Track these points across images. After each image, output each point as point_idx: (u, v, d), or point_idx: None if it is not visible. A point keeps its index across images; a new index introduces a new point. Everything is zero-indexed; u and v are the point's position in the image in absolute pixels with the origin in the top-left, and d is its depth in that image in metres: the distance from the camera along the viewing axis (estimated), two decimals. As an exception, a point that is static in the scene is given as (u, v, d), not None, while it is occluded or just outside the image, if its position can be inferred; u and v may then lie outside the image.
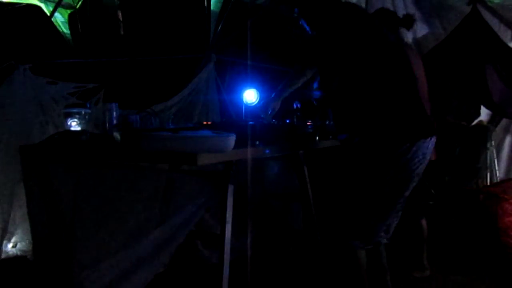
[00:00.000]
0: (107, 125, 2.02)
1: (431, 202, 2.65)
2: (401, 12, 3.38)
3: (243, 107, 2.94)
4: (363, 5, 3.53)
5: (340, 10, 1.91)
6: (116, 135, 1.65)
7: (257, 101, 2.86)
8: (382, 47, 1.88)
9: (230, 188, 1.77)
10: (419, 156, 1.79)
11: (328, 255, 2.59)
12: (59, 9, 4.03)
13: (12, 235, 2.66)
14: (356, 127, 1.84)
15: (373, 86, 1.80)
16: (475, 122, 3.79)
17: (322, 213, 2.71)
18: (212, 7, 3.76)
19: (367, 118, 1.81)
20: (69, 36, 4.19)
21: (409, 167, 1.79)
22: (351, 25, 1.88)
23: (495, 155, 3.84)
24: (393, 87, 1.81)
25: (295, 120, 2.53)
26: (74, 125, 1.97)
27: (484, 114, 3.84)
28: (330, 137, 2.48)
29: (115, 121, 2.03)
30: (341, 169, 1.93)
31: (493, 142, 3.83)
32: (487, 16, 3.56)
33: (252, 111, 2.66)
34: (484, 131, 3.80)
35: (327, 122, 2.60)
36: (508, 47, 3.53)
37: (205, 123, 2.16)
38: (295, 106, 2.64)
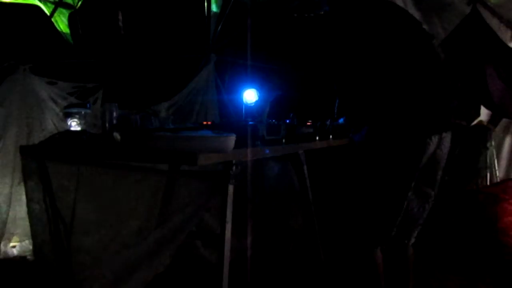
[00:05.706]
0: (107, 125, 2.02)
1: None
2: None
3: (243, 107, 2.93)
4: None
5: (377, 8, 1.87)
6: (116, 135, 1.65)
7: (256, 101, 2.86)
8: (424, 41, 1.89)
9: (230, 188, 1.76)
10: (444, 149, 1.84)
11: (328, 255, 2.59)
12: (59, 9, 4.03)
13: (12, 235, 2.66)
14: (383, 118, 1.81)
15: (407, 77, 1.78)
16: (475, 122, 3.79)
17: (336, 214, 2.67)
18: (212, 7, 3.76)
19: (395, 108, 1.77)
20: (69, 36, 4.19)
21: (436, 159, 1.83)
22: (388, 21, 1.84)
23: (495, 155, 3.84)
24: (427, 78, 1.82)
25: (295, 120, 2.52)
26: (74, 125, 1.97)
27: (484, 114, 3.83)
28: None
29: (114, 121, 2.03)
30: (364, 166, 1.87)
31: (493, 142, 3.83)
32: (487, 16, 3.56)
33: (252, 111, 2.66)
34: (484, 131, 3.80)
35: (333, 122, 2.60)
36: (508, 47, 3.53)
37: (205, 123, 2.15)
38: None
